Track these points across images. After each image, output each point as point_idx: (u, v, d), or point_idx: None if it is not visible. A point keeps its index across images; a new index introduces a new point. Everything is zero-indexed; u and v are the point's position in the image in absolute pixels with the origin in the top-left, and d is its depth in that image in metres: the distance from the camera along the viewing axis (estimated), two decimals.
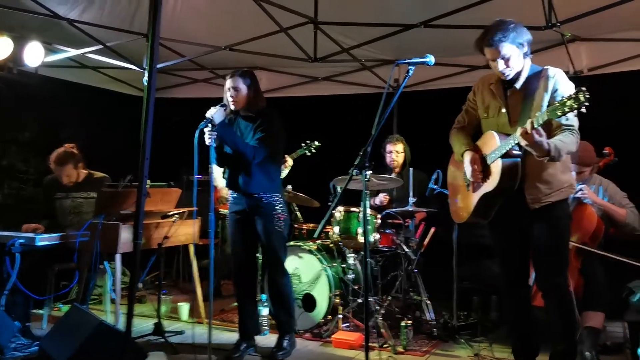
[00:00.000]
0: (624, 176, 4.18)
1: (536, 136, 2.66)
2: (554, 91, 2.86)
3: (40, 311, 4.45)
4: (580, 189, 3.78)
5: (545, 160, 2.77)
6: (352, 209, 4.48)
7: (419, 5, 4.41)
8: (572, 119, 2.83)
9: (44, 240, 3.92)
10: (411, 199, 4.49)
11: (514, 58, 2.89)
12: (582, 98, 2.49)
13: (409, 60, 2.78)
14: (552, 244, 2.96)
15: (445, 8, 4.24)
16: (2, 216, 5.64)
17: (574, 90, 2.62)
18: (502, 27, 2.87)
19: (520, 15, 4.18)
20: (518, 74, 2.96)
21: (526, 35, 2.91)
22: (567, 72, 5.02)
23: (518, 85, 2.99)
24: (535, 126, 2.64)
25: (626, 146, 4.88)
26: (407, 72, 2.79)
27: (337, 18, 4.60)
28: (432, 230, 4.68)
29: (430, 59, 2.81)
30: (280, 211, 3.78)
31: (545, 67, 2.95)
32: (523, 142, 2.69)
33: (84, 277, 4.28)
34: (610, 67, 5.08)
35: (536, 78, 2.93)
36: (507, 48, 2.86)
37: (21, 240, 3.82)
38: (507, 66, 2.90)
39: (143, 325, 4.40)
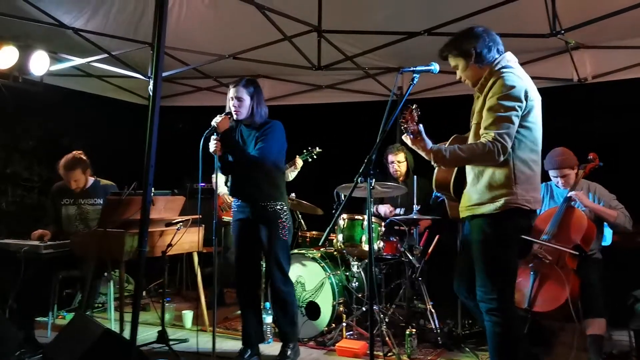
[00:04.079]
0: (629, 184, 4.18)
1: (411, 138, 2.73)
2: (487, 92, 2.77)
3: (45, 319, 4.45)
4: (572, 195, 3.86)
5: (433, 163, 2.79)
6: (356, 217, 4.47)
7: (423, 13, 4.42)
8: (500, 125, 2.64)
9: (48, 248, 3.93)
10: (415, 207, 4.49)
11: (459, 69, 2.91)
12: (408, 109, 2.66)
13: (414, 68, 2.78)
14: (476, 255, 2.82)
15: (449, 16, 4.25)
16: (7, 224, 5.65)
17: (503, 92, 2.66)
18: (447, 42, 2.93)
19: (524, 23, 4.23)
20: (481, 77, 2.87)
21: (471, 42, 2.81)
22: (571, 80, 5.12)
23: (478, 87, 2.91)
24: (415, 128, 2.70)
25: (632, 153, 4.88)
26: (412, 79, 2.78)
27: (341, 26, 4.61)
28: (437, 238, 4.66)
29: (435, 66, 2.82)
30: (284, 219, 3.78)
31: (510, 67, 2.83)
32: (409, 144, 2.78)
33: (87, 285, 4.29)
34: (614, 75, 5.07)
35: (493, 77, 2.81)
36: (452, 60, 2.92)
37: (26, 248, 3.83)
38: (459, 76, 2.95)
39: (147, 333, 4.39)
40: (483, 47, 2.81)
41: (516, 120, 2.68)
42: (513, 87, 2.69)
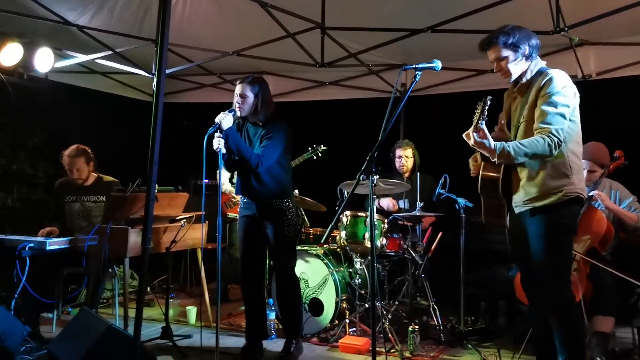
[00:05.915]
0: (633, 180, 4.16)
1: (475, 136, 2.77)
2: (540, 89, 2.86)
3: (50, 315, 4.48)
4: (593, 194, 3.78)
5: (495, 161, 2.83)
6: (359, 214, 4.48)
7: (426, 10, 4.41)
8: (555, 120, 2.77)
9: (53, 244, 3.95)
10: (419, 204, 4.49)
11: (508, 61, 2.92)
12: (483, 101, 2.74)
13: (416, 66, 2.79)
14: (539, 249, 2.90)
15: (452, 13, 4.24)
16: (12, 221, 5.68)
17: (557, 89, 2.76)
18: (496, 31, 2.95)
19: (528, 20, 4.19)
20: (521, 77, 2.98)
21: (527, 39, 2.91)
22: (575, 76, 5.09)
23: (518, 87, 3.03)
24: (479, 126, 2.75)
25: (635, 150, 4.87)
26: (415, 77, 2.80)
27: (344, 23, 4.61)
28: (440, 235, 4.67)
29: (437, 64, 2.82)
30: (290, 217, 3.79)
31: (548, 68, 2.96)
32: (470, 142, 2.81)
33: (92, 281, 4.31)
34: (618, 71, 5.06)
35: (536, 78, 2.94)
36: (497, 51, 2.93)
37: (31, 245, 3.85)
38: (500, 68, 2.97)
39: (151, 329, 4.41)
40: (533, 46, 2.94)
41: (568, 116, 2.82)
42: (565, 85, 2.84)
